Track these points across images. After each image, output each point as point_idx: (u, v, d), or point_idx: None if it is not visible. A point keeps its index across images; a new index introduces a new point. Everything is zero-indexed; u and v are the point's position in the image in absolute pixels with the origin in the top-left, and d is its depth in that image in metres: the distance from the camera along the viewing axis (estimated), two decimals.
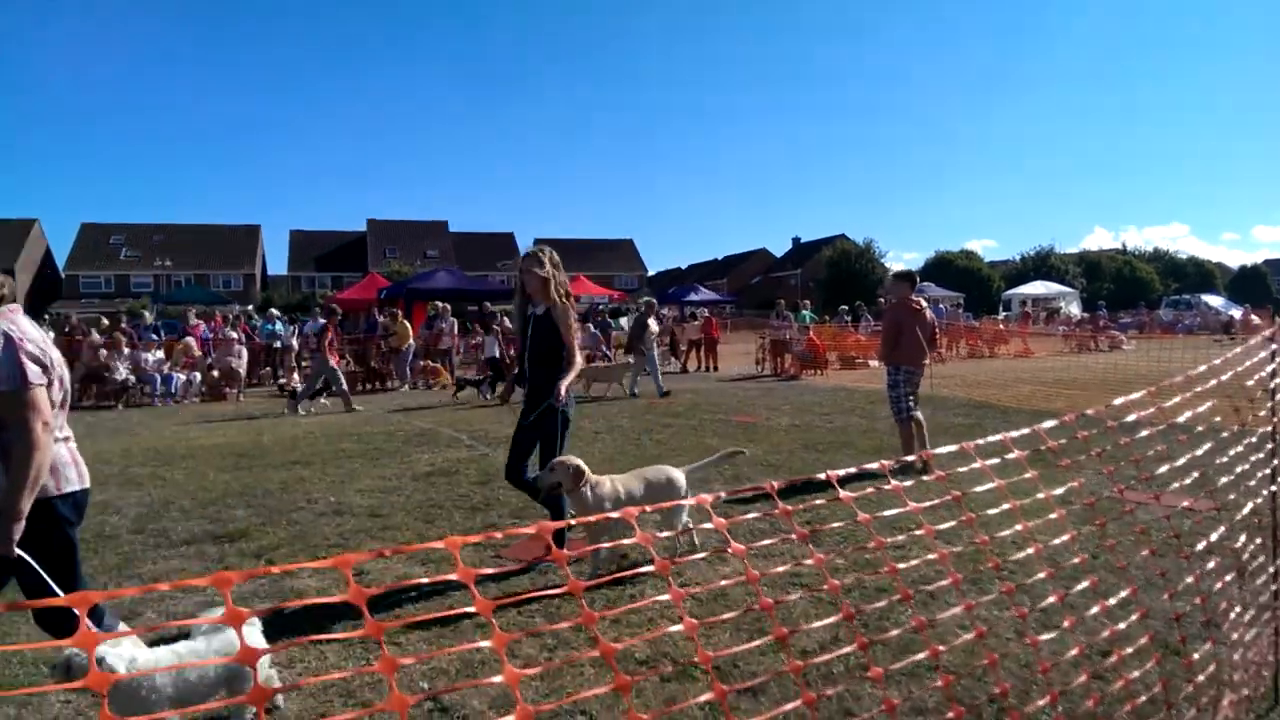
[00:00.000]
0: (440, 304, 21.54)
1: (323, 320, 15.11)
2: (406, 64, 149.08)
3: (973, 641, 1.80)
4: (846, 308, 27.40)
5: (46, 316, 31.48)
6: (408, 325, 18.63)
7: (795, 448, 8.98)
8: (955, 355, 24.49)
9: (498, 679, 1.30)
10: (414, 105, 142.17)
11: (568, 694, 3.25)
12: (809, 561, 2.02)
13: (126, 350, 15.67)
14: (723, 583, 2.91)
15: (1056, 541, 2.36)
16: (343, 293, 33.17)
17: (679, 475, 5.18)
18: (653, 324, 15.69)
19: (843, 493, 2.15)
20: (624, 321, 38.28)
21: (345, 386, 14.10)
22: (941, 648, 1.94)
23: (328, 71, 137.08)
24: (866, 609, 2.96)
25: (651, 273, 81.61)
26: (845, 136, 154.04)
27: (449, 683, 3.43)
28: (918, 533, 1.74)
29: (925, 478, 2.04)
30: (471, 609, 1.36)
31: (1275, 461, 3.30)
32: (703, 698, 1.92)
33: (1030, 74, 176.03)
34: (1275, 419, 3.28)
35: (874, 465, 2.30)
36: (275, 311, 22.25)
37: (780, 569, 2.25)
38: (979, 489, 2.33)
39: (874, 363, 11.87)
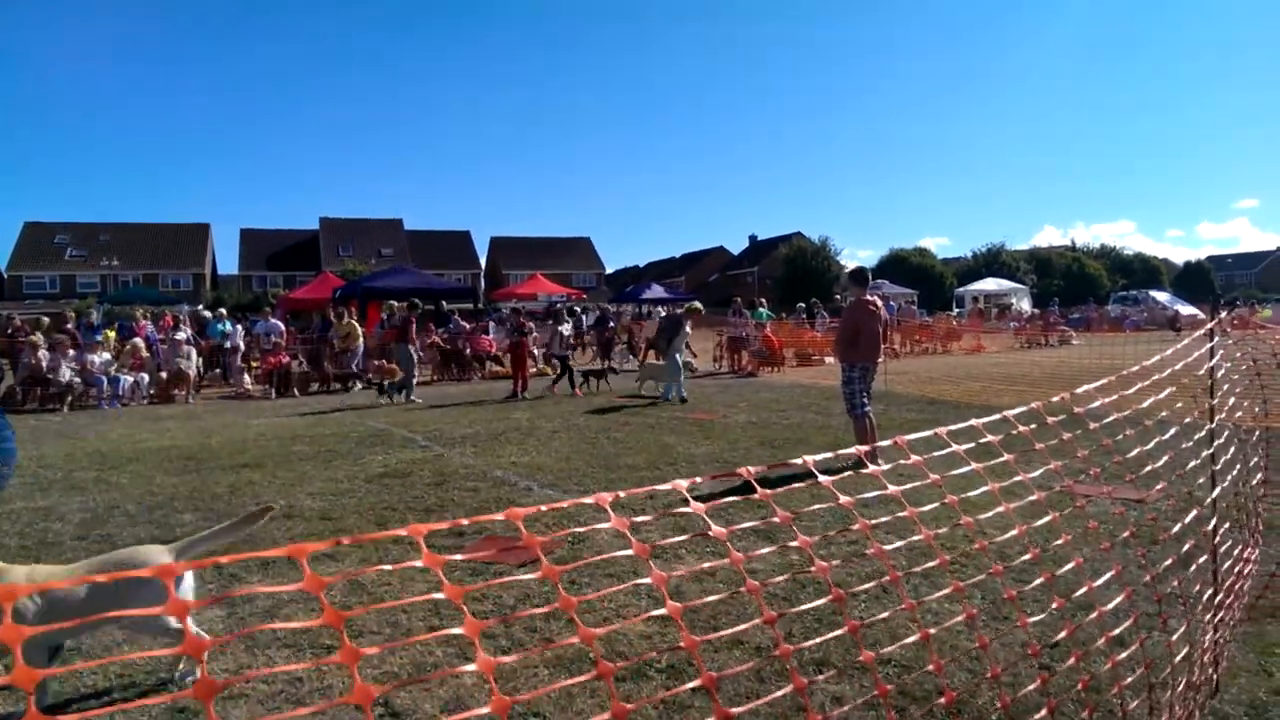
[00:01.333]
0: (395, 303, 21.29)
1: (404, 313, 15.22)
2: (360, 61, 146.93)
3: (921, 637, 1.84)
4: (803, 305, 27.68)
5: None
6: (356, 325, 18.38)
7: (752, 445, 9.07)
8: (909, 352, 24.91)
9: (469, 666, 1.30)
10: (367, 102, 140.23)
11: (538, 686, 3.24)
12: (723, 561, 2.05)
13: (71, 352, 15.22)
14: (624, 582, 2.94)
15: (1005, 536, 2.42)
16: (295, 292, 32.60)
17: (160, 557, 3.49)
18: (688, 328, 14.22)
19: (823, 478, 2.18)
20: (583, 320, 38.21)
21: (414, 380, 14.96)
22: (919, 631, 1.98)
23: (281, 68, 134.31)
24: (795, 610, 3.00)
25: (609, 270, 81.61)
26: (800, 135, 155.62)
27: (406, 679, 3.40)
28: (854, 527, 1.77)
29: (865, 470, 2.07)
30: (440, 595, 1.35)
31: (1211, 451, 3.42)
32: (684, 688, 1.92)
33: (984, 74, 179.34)
34: (1213, 408, 3.41)
35: (824, 455, 2.33)
36: (224, 311, 21.78)
37: (681, 571, 2.27)
38: (923, 481, 2.38)
39: (830, 359, 12.01)
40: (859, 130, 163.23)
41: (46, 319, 17.93)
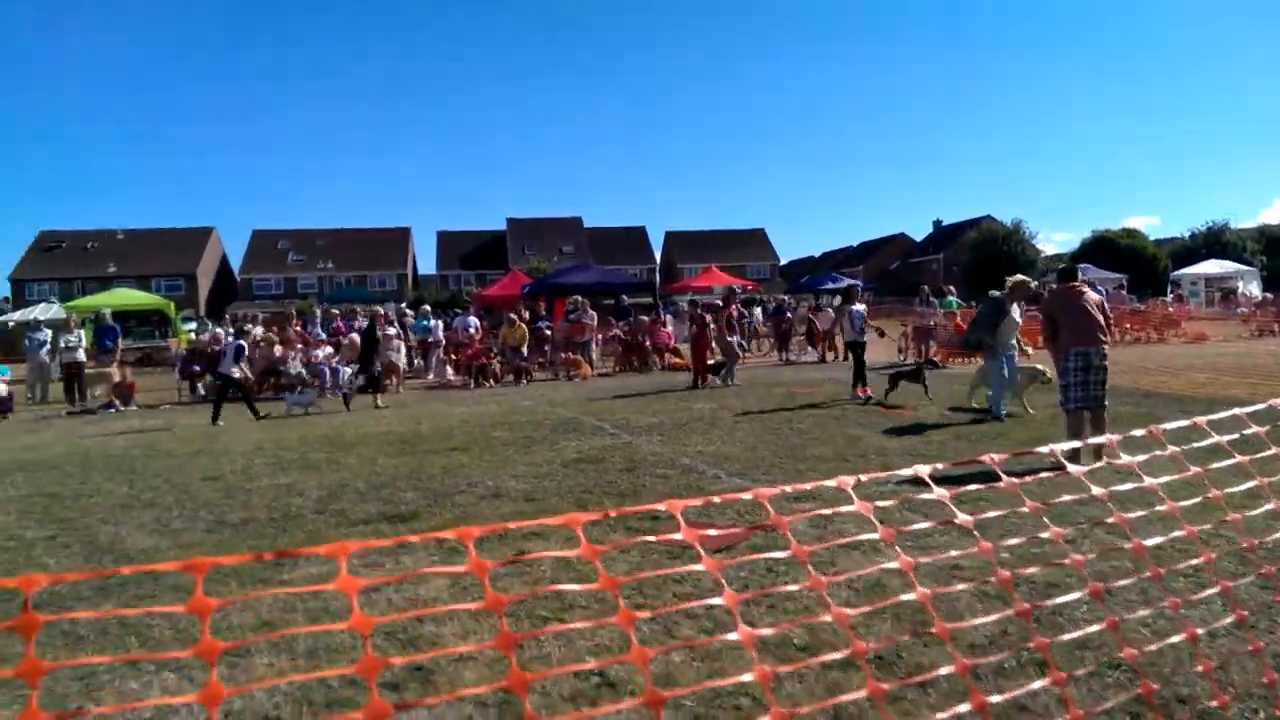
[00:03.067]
0: (579, 298, 22.11)
1: (719, 303, 16.17)
2: (544, 69, 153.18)
3: (1166, 644, 1.73)
4: (996, 293, 26.05)
5: (227, 316, 34.48)
6: (525, 327, 19.27)
7: (947, 438, 8.69)
8: (1120, 340, 22.85)
9: (730, 635, 1.37)
10: (550, 107, 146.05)
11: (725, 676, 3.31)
12: (973, 550, 1.99)
13: (299, 347, 16.97)
14: (869, 570, 2.89)
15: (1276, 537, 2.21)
16: (487, 289, 34.56)
17: None
18: (1015, 313, 10.17)
19: (1006, 479, 2.10)
20: (757, 312, 37.98)
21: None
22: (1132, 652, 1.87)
23: (470, 77, 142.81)
24: (1043, 605, 2.85)
25: (784, 262, 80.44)
26: (985, 114, 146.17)
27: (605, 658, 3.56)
28: (1080, 524, 1.69)
29: (1096, 465, 1.96)
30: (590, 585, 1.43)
31: None
32: (863, 693, 1.92)
33: (1189, 33, 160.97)
34: None
35: (1044, 449, 2.23)
36: (427, 308, 23.48)
37: (928, 559, 2.22)
38: (1163, 479, 2.21)
39: (1031, 349, 11.21)
40: (1050, 105, 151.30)
41: (259, 317, 20.09)
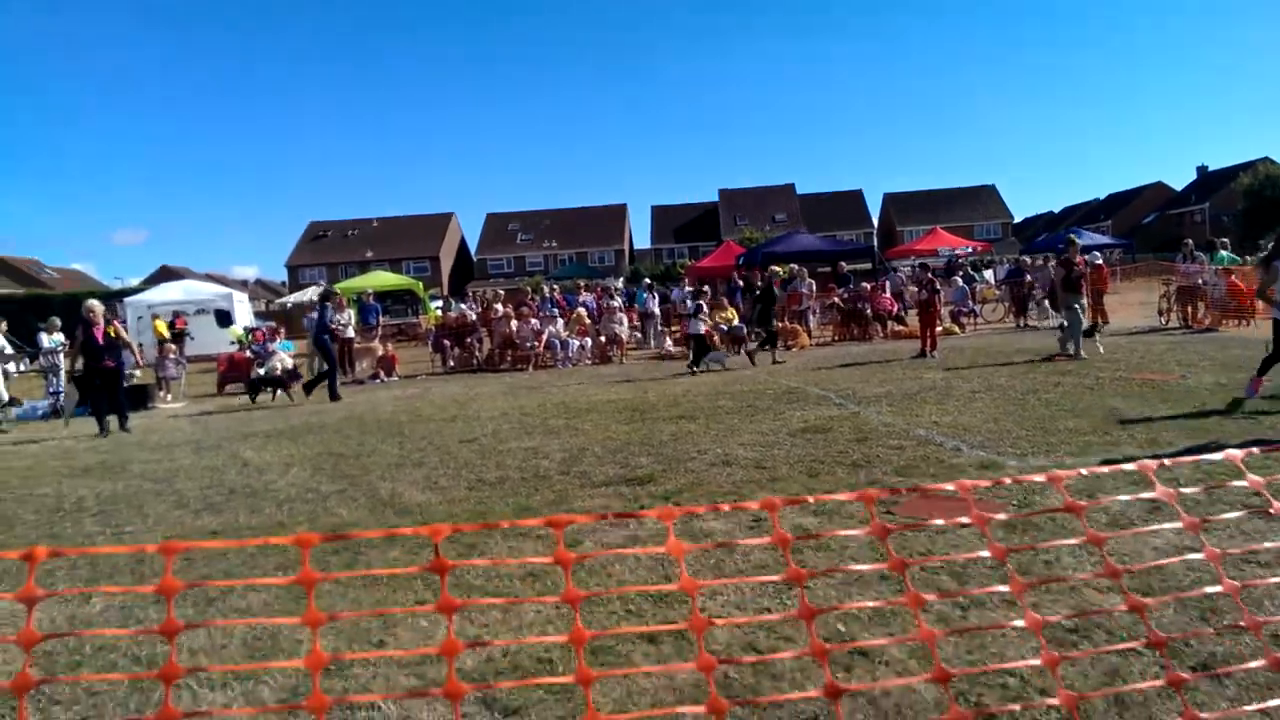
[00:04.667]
0: (795, 266, 21.77)
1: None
2: (752, 37, 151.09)
3: None
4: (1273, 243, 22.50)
5: (469, 293, 37.43)
6: (733, 310, 19.24)
7: (1221, 412, 7.69)
8: None
9: (1016, 621, 1.34)
10: (761, 74, 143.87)
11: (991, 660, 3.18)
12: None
13: (533, 321, 18.12)
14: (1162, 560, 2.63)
15: None
16: (701, 261, 34.94)
17: None
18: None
19: None
20: (988, 275, 35.48)
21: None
22: None
23: (677, 54, 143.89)
24: None
25: (1017, 219, 74.38)
26: (1258, 40, 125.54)
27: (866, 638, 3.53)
28: None
29: None
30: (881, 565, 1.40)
31: None
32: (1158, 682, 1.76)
33: None
34: None
35: None
36: (648, 281, 24.14)
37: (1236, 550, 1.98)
38: None
39: None
40: None
41: (489, 294, 21.53)
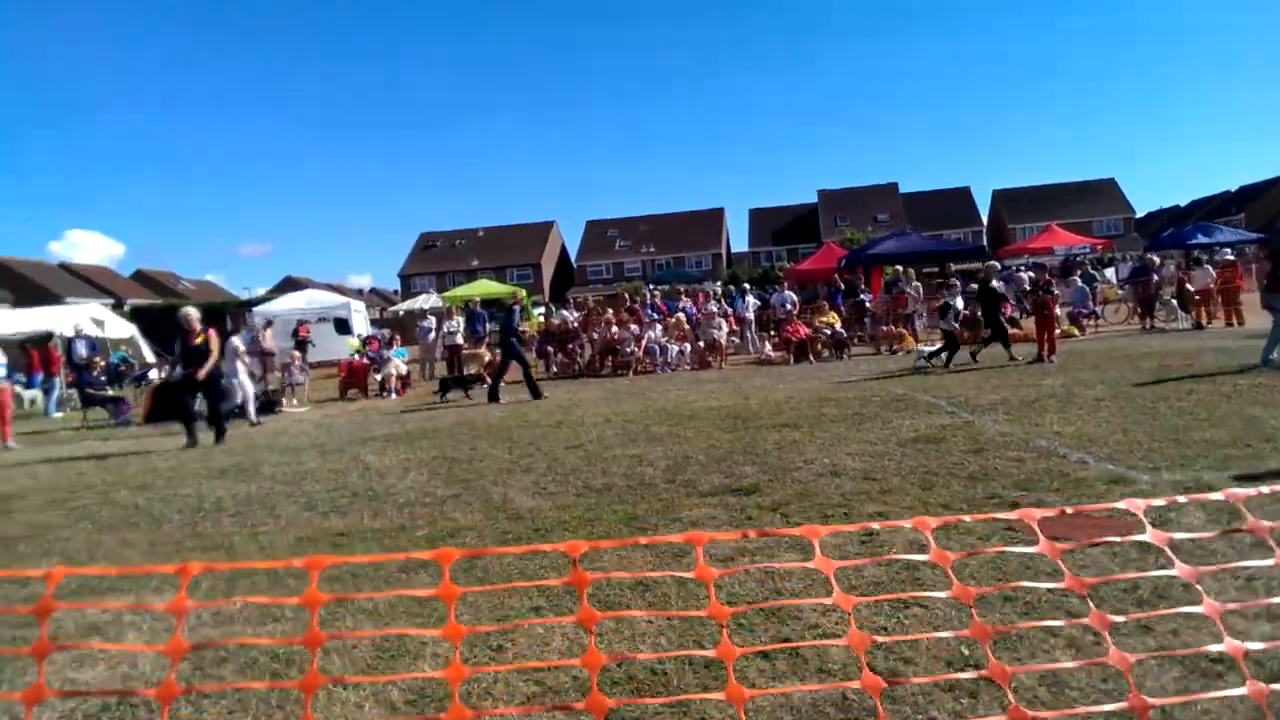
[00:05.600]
0: (900, 268, 21.22)
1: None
2: (848, 36, 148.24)
3: None
4: None
5: (569, 299, 38.06)
6: (834, 313, 18.85)
7: None
8: None
9: (1215, 646, 1.28)
10: (859, 71, 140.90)
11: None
12: None
13: (634, 327, 18.28)
14: None
15: None
16: (801, 264, 34.45)
17: None
18: None
19: None
20: (1109, 274, 33.64)
21: None
22: None
23: (771, 55, 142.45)
24: None
25: (1139, 214, 70.23)
26: None
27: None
28: None
29: None
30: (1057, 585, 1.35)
31: None
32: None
33: None
34: None
35: None
36: (747, 285, 23.98)
37: None
38: None
39: None
40: None
41: (588, 300, 21.78)
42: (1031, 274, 17.32)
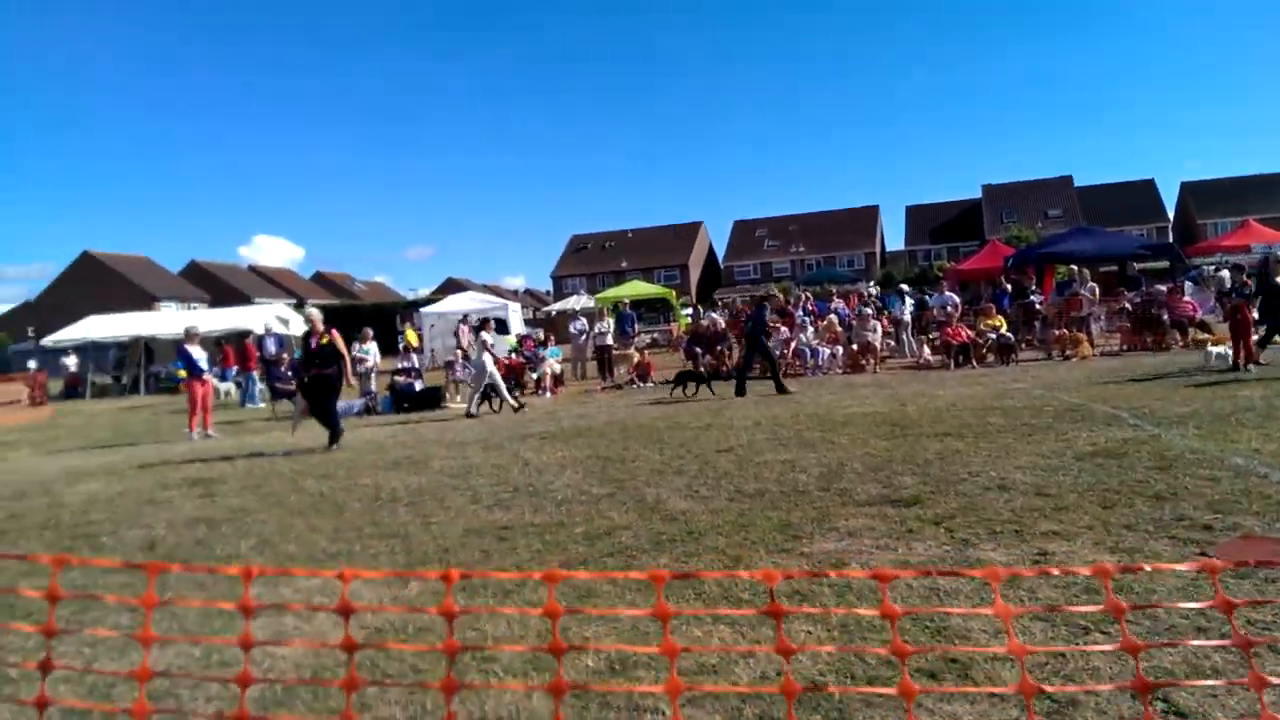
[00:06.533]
0: (1074, 267, 19.85)
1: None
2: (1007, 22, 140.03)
3: None
4: None
5: (717, 301, 38.14)
6: (1001, 318, 17.70)
7: None
8: None
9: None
10: (1029, 57, 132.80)
11: None
12: None
13: (782, 329, 18.06)
14: None
15: None
16: (964, 263, 32.88)
17: None
18: None
19: None
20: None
21: None
22: None
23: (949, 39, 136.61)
24: None
25: None
26: None
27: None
28: None
29: None
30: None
31: None
32: None
33: None
34: None
35: None
36: (904, 286, 23.16)
37: None
38: None
39: None
40: None
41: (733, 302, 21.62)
42: (1228, 273, 15.71)
